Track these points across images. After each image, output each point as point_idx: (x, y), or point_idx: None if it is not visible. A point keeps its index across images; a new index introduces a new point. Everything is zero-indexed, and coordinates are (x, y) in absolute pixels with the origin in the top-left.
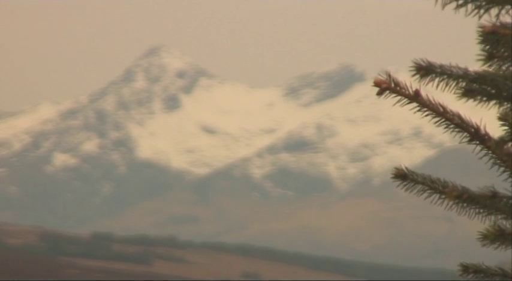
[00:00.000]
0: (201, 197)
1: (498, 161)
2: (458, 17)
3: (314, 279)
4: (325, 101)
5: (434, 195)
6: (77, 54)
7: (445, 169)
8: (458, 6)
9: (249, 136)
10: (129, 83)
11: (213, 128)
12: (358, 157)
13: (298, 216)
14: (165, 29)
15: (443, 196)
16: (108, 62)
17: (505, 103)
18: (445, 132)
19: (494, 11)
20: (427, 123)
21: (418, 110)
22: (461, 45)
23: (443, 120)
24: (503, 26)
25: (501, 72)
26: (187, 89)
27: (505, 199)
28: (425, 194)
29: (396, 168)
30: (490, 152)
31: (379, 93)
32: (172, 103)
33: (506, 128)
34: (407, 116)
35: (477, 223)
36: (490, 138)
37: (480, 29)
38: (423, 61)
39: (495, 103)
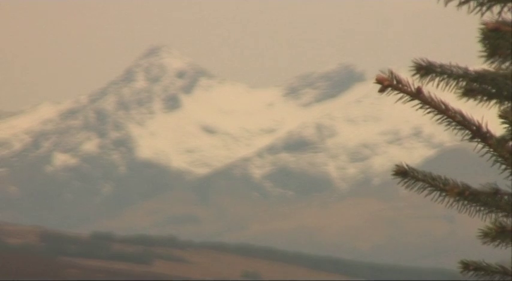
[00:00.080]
0: (201, 197)
1: (499, 159)
2: (458, 17)
3: (314, 279)
4: (325, 101)
5: (435, 192)
6: (77, 54)
7: (445, 169)
8: (461, 4)
9: (249, 136)
10: (129, 83)
11: (213, 128)
12: (358, 156)
13: (298, 216)
14: (165, 29)
15: (444, 194)
16: (108, 62)
17: (506, 102)
18: (446, 130)
19: (496, 9)
20: (427, 123)
21: (420, 108)
22: (461, 45)
23: (445, 117)
24: (506, 23)
25: (502, 71)
26: (187, 89)
27: (506, 197)
28: (426, 192)
29: (397, 165)
30: (491, 150)
31: (381, 91)
32: (172, 103)
33: (507, 126)
34: (408, 116)
35: (477, 223)
36: (491, 136)
37: (482, 26)
38: (423, 61)
39: (495, 102)
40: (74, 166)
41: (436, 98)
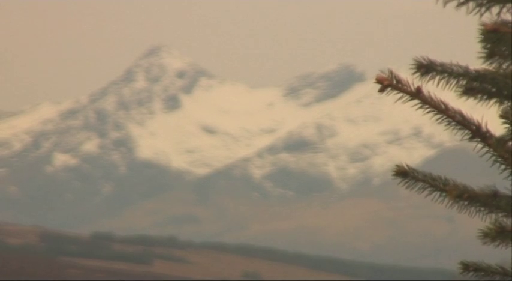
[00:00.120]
0: (201, 197)
1: (499, 159)
2: (458, 17)
3: (314, 279)
4: (325, 101)
5: (435, 193)
6: (77, 54)
7: (445, 169)
8: (460, 5)
9: (249, 136)
10: (129, 83)
11: (213, 128)
12: (358, 157)
13: (298, 216)
14: (165, 29)
15: (444, 194)
16: (108, 62)
17: (506, 102)
18: (445, 130)
19: (495, 9)
20: (427, 123)
21: (420, 107)
22: (462, 45)
23: (444, 117)
24: (505, 24)
25: (502, 71)
26: (188, 89)
27: (506, 198)
28: (426, 192)
29: (397, 165)
30: (491, 149)
31: (381, 90)
32: (172, 103)
33: (507, 126)
34: (408, 116)
35: (478, 223)
36: (491, 136)
37: (481, 27)
38: (424, 59)
39: (495, 102)
40: (74, 166)
41: (435, 97)
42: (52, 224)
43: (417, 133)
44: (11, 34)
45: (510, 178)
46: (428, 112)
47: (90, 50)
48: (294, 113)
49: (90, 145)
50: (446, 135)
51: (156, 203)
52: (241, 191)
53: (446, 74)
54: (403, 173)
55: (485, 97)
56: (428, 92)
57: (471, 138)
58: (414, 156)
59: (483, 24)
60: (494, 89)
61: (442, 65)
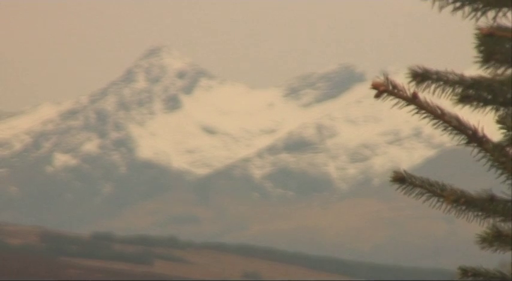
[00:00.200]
0: (202, 197)
1: (496, 164)
2: (457, 17)
3: (314, 279)
4: (325, 101)
5: (433, 198)
6: (77, 54)
7: (445, 169)
8: (455, 9)
9: (249, 136)
10: (129, 83)
11: (213, 129)
12: (358, 157)
13: (298, 216)
14: (165, 29)
15: (441, 199)
16: (108, 62)
17: (502, 108)
18: (442, 135)
19: (491, 14)
20: (427, 124)
21: (416, 113)
22: (462, 45)
23: (441, 122)
24: (501, 28)
25: (497, 76)
26: (188, 90)
27: (503, 202)
28: (424, 197)
29: (395, 171)
30: (487, 154)
31: (377, 96)
32: (172, 103)
33: (504, 131)
34: (408, 116)
35: (477, 224)
36: (487, 140)
37: (477, 31)
38: (419, 68)
39: (491, 108)
40: (74, 166)
41: (432, 103)
42: (52, 225)
43: (417, 134)
44: (11, 34)
45: (507, 182)
46: (424, 117)
47: (91, 51)
48: (294, 114)
49: (91, 145)
50: (447, 136)
51: (156, 203)
52: (242, 191)
53: (441, 82)
54: (401, 179)
55: (481, 104)
56: (425, 97)
57: (468, 143)
58: (414, 156)
59: (479, 28)
60: (490, 96)
61: (437, 73)
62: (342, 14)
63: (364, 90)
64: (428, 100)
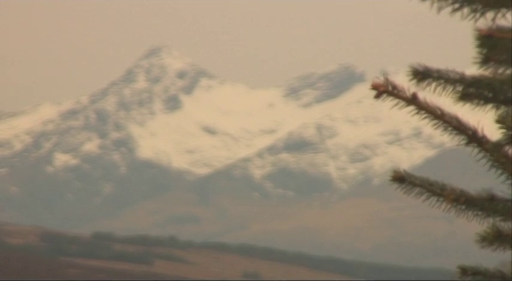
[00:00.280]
0: (202, 197)
1: (496, 164)
2: (457, 18)
3: (314, 279)
4: (325, 101)
5: (433, 197)
6: (77, 54)
7: (445, 169)
8: (454, 10)
9: (250, 136)
10: (129, 83)
11: (213, 129)
12: (359, 157)
13: (298, 216)
14: (165, 29)
15: (441, 199)
16: (108, 62)
17: (502, 107)
18: (442, 135)
19: (490, 15)
20: (427, 124)
21: (416, 113)
22: (462, 45)
23: (441, 122)
24: (499, 29)
25: (497, 76)
26: (188, 90)
27: (503, 202)
28: (424, 197)
29: (394, 171)
30: (487, 154)
31: (377, 97)
32: (172, 103)
33: (503, 130)
34: (408, 116)
35: (477, 224)
36: (487, 140)
37: (476, 32)
38: (420, 66)
39: (492, 107)
40: (74, 166)
41: (431, 103)
42: (52, 224)
43: (417, 134)
44: (11, 34)
45: (507, 182)
46: (424, 118)
47: (91, 51)
48: (294, 114)
49: (91, 145)
50: (447, 136)
51: (156, 203)
52: (242, 191)
53: (442, 81)
54: (400, 178)
55: (481, 103)
56: (424, 98)
57: (468, 143)
58: (414, 157)
59: (478, 30)
60: (490, 95)
61: (438, 71)
62: (342, 14)
63: (364, 91)
64: (428, 100)
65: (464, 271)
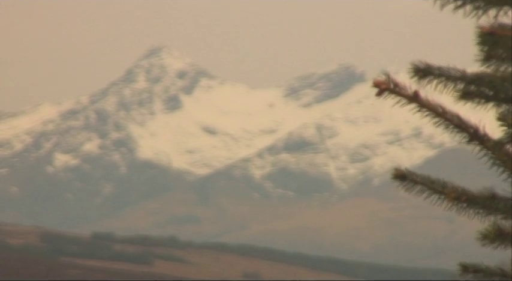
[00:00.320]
0: (202, 197)
1: (497, 162)
2: (458, 17)
3: (314, 279)
4: (325, 101)
5: (434, 195)
6: (77, 54)
7: (445, 169)
8: (457, 8)
9: (250, 137)
10: (129, 83)
11: (213, 129)
12: (359, 157)
13: (298, 216)
14: (165, 29)
15: (442, 197)
16: (109, 62)
17: (503, 105)
18: (443, 133)
19: (492, 12)
20: (427, 124)
21: (418, 111)
22: (462, 45)
23: (442, 120)
24: (502, 27)
25: (499, 73)
26: (188, 90)
27: (504, 200)
28: (425, 195)
29: (395, 169)
30: (489, 152)
31: (378, 94)
32: (173, 104)
33: (505, 128)
34: (408, 116)
35: (477, 224)
36: (489, 138)
37: (478, 30)
38: (421, 63)
39: (493, 105)
40: (74, 166)
41: (433, 101)
42: (53, 225)
43: (417, 134)
44: (10, 34)
45: (509, 180)
46: (426, 115)
47: (91, 51)
48: (294, 114)
49: (91, 145)
50: (447, 136)
51: (156, 203)
52: (242, 191)
53: (443, 78)
54: (402, 176)
55: (482, 101)
56: (426, 96)
57: (469, 142)
58: (414, 157)
59: (480, 27)
60: (491, 93)
61: (439, 68)
62: (342, 14)
63: (364, 91)
64: (429, 98)
65: (465, 268)
